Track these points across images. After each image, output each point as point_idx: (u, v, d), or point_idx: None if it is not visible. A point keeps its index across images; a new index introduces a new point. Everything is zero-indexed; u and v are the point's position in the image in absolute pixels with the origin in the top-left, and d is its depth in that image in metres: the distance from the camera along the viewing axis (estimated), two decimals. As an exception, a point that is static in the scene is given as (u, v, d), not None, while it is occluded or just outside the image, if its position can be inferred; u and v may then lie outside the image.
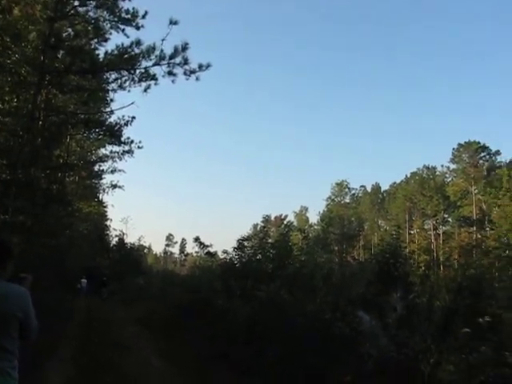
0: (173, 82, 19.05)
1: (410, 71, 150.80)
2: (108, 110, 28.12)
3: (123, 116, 28.56)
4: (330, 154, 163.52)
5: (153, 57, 19.10)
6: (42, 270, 19.50)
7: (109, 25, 22.29)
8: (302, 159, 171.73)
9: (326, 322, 10.83)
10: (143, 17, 21.54)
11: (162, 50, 18.65)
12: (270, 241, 19.86)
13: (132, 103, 20.42)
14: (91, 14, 22.35)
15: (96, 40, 23.02)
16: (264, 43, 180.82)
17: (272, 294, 13.24)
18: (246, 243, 19.39)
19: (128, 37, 20.96)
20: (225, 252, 19.41)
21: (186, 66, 18.63)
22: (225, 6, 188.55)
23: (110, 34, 22.61)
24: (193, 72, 18.67)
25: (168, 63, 18.58)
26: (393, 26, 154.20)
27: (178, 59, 18.54)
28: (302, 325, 10.82)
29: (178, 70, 18.81)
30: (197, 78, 18.79)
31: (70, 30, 22.39)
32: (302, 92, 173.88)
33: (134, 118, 28.75)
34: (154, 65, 19.00)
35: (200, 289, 20.43)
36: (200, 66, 18.62)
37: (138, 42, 18.75)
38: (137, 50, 19.26)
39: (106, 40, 22.86)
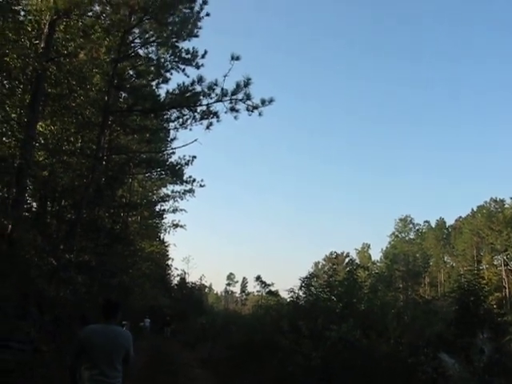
0: (235, 118, 18.94)
1: (474, 106, 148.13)
2: (170, 148, 28.27)
3: (184, 156, 28.78)
4: (391, 190, 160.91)
5: (214, 94, 19.11)
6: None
7: (169, 65, 22.60)
8: (362, 196, 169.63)
9: (409, 366, 10.01)
10: (203, 56, 21.77)
11: (222, 88, 18.63)
12: (337, 279, 19.08)
13: (195, 140, 20.36)
14: (152, 55, 22.80)
15: (157, 81, 23.36)
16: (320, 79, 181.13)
17: (345, 335, 12.47)
18: (312, 282, 18.77)
19: (188, 76, 21.22)
20: (291, 291, 18.75)
21: (249, 102, 18.53)
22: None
23: (171, 74, 22.95)
24: (255, 107, 18.49)
25: (230, 99, 18.48)
26: (451, 61, 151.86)
27: (240, 95, 18.46)
28: (382, 369, 10.05)
29: (241, 106, 18.69)
30: (259, 114, 18.64)
31: (131, 71, 22.77)
32: (361, 131, 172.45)
33: (194, 157, 28.96)
34: (216, 101, 18.96)
35: (265, 329, 19.78)
36: (263, 102, 18.45)
37: (200, 79, 18.78)
38: (198, 88, 19.29)
39: (167, 80, 23.19)
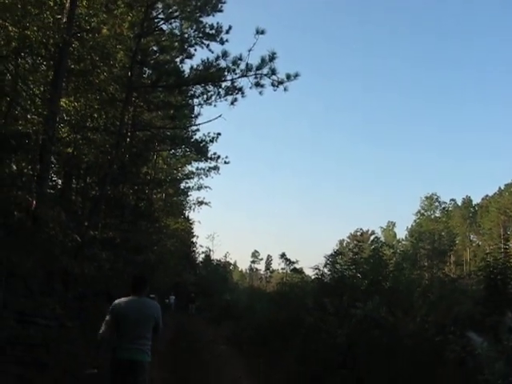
0: (260, 93, 18.67)
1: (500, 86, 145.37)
2: (194, 125, 28.06)
3: (208, 133, 28.63)
4: (417, 168, 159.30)
5: (239, 69, 18.80)
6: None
7: (193, 41, 22.34)
8: (387, 173, 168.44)
9: (437, 345, 9.77)
10: (227, 32, 21.47)
11: (247, 63, 18.30)
12: (363, 256, 18.83)
13: (219, 116, 20.15)
14: (176, 31, 22.54)
15: (181, 57, 23.13)
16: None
17: (370, 312, 12.26)
18: (338, 259, 18.60)
19: (212, 52, 20.94)
20: (316, 268, 18.58)
21: (274, 77, 18.22)
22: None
23: (195, 49, 22.70)
24: (281, 82, 18.19)
25: (255, 74, 18.18)
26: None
27: (265, 70, 18.16)
28: (409, 347, 9.83)
29: (266, 81, 18.39)
30: (285, 89, 18.30)
31: (155, 47, 22.54)
32: (388, 109, 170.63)
33: (219, 134, 28.83)
34: (240, 76, 18.67)
35: (289, 306, 19.65)
36: (288, 76, 18.12)
37: (225, 54, 18.49)
38: (223, 63, 19.00)
39: (190, 56, 22.94)
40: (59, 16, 16.44)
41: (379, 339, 10.58)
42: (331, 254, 18.97)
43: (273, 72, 18.07)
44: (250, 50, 17.82)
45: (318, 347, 11.93)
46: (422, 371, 8.84)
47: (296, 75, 18.10)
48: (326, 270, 18.56)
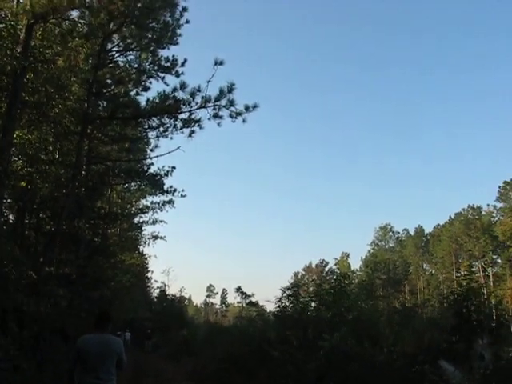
0: (218, 124, 18.47)
1: (452, 114, 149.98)
2: (151, 157, 27.66)
3: (163, 166, 28.29)
4: (368, 200, 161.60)
5: (197, 101, 18.61)
6: (87, 321, 18.85)
7: (149, 73, 22.18)
8: (340, 206, 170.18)
9: (414, 376, 9.63)
10: (182, 64, 21.47)
11: (205, 94, 18.15)
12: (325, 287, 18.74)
13: (178, 148, 19.91)
14: (132, 64, 22.38)
15: (136, 90, 22.94)
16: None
17: (338, 344, 12.09)
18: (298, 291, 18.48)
19: (168, 85, 20.69)
20: (278, 300, 18.37)
21: (232, 108, 18.05)
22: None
23: (150, 82, 22.52)
24: (239, 114, 18.03)
25: (214, 105, 18.00)
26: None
27: (223, 101, 17.96)
28: (382, 379, 9.67)
29: (224, 113, 18.25)
30: (243, 120, 18.15)
31: (110, 80, 22.27)
32: (339, 140, 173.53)
33: (174, 168, 28.48)
34: (198, 108, 18.45)
35: (251, 340, 19.29)
36: (246, 108, 17.95)
37: (183, 85, 18.24)
38: (180, 95, 18.80)
39: (146, 89, 22.74)
40: (14, 46, 16.05)
41: (349, 371, 10.40)
42: (292, 286, 18.86)
43: (231, 103, 17.93)
44: (208, 81, 17.65)
45: (287, 382, 11.67)
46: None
47: (254, 106, 18.02)
48: (287, 303, 18.38)
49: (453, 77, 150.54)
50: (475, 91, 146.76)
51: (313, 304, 17.93)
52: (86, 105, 19.33)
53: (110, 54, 21.78)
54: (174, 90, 18.77)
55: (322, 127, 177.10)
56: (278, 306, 18.66)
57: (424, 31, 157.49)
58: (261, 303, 24.72)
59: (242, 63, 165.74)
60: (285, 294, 18.73)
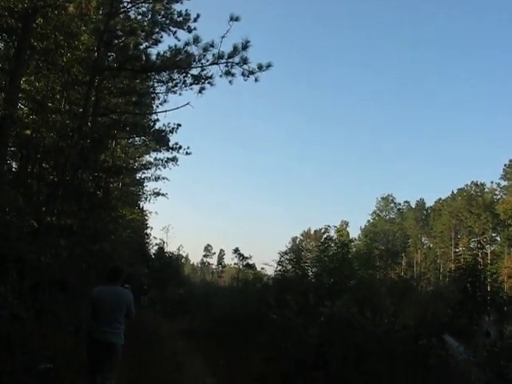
0: (230, 82, 18.08)
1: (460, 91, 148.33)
2: (159, 111, 27.23)
3: (169, 123, 27.90)
4: (369, 170, 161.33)
5: (209, 56, 18.18)
6: (88, 274, 18.80)
7: (160, 27, 21.70)
8: (340, 175, 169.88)
9: (420, 349, 9.49)
10: (195, 20, 20.84)
11: (219, 50, 17.67)
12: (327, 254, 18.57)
13: (187, 104, 19.47)
14: (144, 16, 21.84)
15: (147, 44, 22.50)
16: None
17: (340, 311, 11.96)
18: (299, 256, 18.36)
19: (179, 40, 20.16)
20: (279, 263, 18.27)
21: (245, 66, 17.61)
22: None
23: (161, 36, 22.07)
24: (252, 72, 17.62)
25: (226, 62, 17.57)
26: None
27: (236, 58, 17.54)
28: (385, 349, 9.51)
29: (237, 70, 17.83)
30: (256, 79, 17.75)
31: (121, 32, 21.76)
32: (347, 110, 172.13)
33: (179, 125, 28.04)
34: (211, 64, 18.03)
35: (249, 302, 19.21)
36: (260, 67, 17.53)
37: (196, 40, 17.78)
38: (193, 49, 18.33)
39: (157, 43, 22.27)
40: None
41: (352, 340, 10.26)
42: (288, 251, 18.73)
43: (244, 61, 17.50)
44: (222, 37, 17.11)
45: (287, 346, 11.53)
46: (402, 374, 8.56)
47: (268, 65, 17.55)
48: (288, 267, 18.28)
49: (464, 56, 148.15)
50: (483, 71, 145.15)
51: (313, 270, 17.82)
52: (95, 54, 18.87)
53: (122, 4, 21.26)
54: (187, 44, 18.34)
55: (329, 100, 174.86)
56: (279, 270, 18.57)
57: None
58: (258, 266, 24.69)
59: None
60: (286, 258, 18.65)
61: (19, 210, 15.27)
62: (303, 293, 15.42)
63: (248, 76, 17.76)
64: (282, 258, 18.82)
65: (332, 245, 18.68)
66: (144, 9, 21.54)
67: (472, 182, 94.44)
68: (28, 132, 19.84)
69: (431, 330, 10.19)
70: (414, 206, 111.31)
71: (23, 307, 12.63)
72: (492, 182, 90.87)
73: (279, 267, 18.44)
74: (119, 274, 7.43)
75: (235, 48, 17.31)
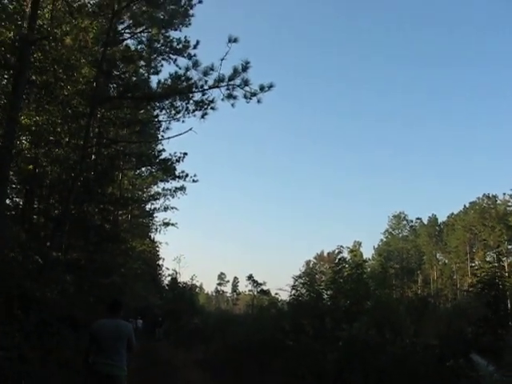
0: (232, 105, 17.73)
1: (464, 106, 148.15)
2: (162, 138, 27.01)
3: (175, 152, 27.69)
4: (380, 189, 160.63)
5: (210, 80, 17.88)
6: (98, 308, 18.34)
7: (160, 55, 21.60)
8: (350, 196, 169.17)
9: (449, 370, 8.91)
10: (195, 46, 20.71)
11: (219, 73, 17.35)
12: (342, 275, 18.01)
13: (190, 129, 19.17)
14: (143, 46, 21.74)
15: (147, 73, 22.39)
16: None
17: (358, 334, 11.43)
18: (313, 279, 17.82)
19: (180, 68, 19.91)
20: (293, 287, 17.74)
21: (247, 88, 17.25)
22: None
23: (162, 65, 21.91)
24: (254, 94, 17.24)
25: (227, 85, 17.24)
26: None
27: (237, 80, 17.18)
28: (408, 371, 8.97)
29: (238, 93, 17.49)
30: (258, 101, 17.33)
31: (120, 62, 21.65)
32: (351, 131, 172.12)
33: (185, 154, 27.84)
34: (212, 87, 17.71)
35: (264, 329, 18.65)
36: (262, 88, 17.11)
37: (196, 64, 17.49)
38: (193, 74, 18.04)
39: (157, 72, 22.15)
40: (20, 22, 15.44)
41: (372, 363, 9.71)
42: (302, 275, 18.24)
43: (246, 83, 17.12)
44: (222, 59, 16.78)
45: (303, 374, 11.00)
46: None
47: (270, 86, 17.18)
48: (302, 291, 17.77)
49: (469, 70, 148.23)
50: (494, 83, 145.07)
51: (328, 292, 17.26)
52: (94, 83, 18.63)
53: (119, 34, 21.17)
54: (187, 69, 18.02)
55: (332, 119, 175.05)
56: (294, 294, 18.04)
57: None
58: (272, 292, 24.15)
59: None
60: (299, 282, 18.16)
61: (23, 246, 14.92)
62: (319, 316, 14.88)
63: (250, 98, 17.40)
64: (296, 282, 18.32)
65: (346, 266, 18.13)
66: (143, 38, 21.48)
67: (484, 194, 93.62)
68: (30, 167, 19.59)
69: (456, 349, 9.63)
70: (426, 223, 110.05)
71: (29, 347, 12.21)
72: (504, 194, 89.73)
73: (293, 291, 17.90)
74: (120, 306, 7.44)
75: (235, 70, 16.97)
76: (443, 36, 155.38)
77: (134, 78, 20.87)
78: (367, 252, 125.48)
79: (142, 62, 21.02)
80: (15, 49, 15.18)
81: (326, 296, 17.19)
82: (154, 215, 47.96)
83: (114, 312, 7.27)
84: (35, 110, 19.07)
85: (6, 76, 17.61)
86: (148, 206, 46.12)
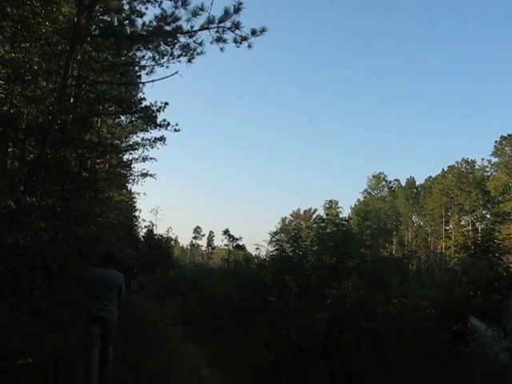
0: (221, 49, 16.71)
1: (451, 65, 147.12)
2: (148, 80, 25.94)
3: (156, 102, 26.65)
4: (359, 147, 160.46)
5: (199, 22, 16.77)
6: (72, 257, 17.67)
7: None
8: (328, 152, 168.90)
9: (454, 335, 8.44)
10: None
11: (209, 14, 16.23)
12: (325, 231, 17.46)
13: (175, 73, 18.26)
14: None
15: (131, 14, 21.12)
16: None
17: (348, 293, 10.92)
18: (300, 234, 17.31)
19: (165, 11, 18.71)
20: (276, 242, 17.21)
21: (238, 32, 16.22)
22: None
23: (146, 8, 20.68)
24: (245, 38, 16.23)
25: (217, 27, 16.21)
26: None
27: (228, 23, 16.16)
28: (402, 334, 8.49)
29: (229, 36, 16.47)
30: (249, 46, 16.33)
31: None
32: (335, 82, 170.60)
33: (167, 103, 26.80)
34: (200, 29, 16.66)
35: (244, 284, 18.11)
36: (253, 32, 16.11)
37: (185, 2, 16.32)
38: (183, 13, 16.83)
39: (141, 15, 20.90)
40: None
41: (365, 324, 9.20)
42: (294, 229, 17.72)
43: (237, 26, 16.02)
44: (213, -1, 15.73)
45: (289, 333, 10.44)
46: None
47: (262, 30, 16.16)
48: (287, 246, 17.27)
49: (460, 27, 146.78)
50: (476, 43, 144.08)
51: (314, 248, 16.74)
52: (75, 19, 17.40)
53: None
54: (175, 7, 16.78)
55: (321, 71, 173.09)
56: (276, 249, 17.54)
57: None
58: (248, 247, 23.65)
59: None
60: (280, 237, 17.68)
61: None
62: (303, 273, 14.39)
63: (241, 42, 16.37)
64: (273, 238, 17.79)
65: (329, 223, 17.60)
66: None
67: (462, 158, 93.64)
68: (5, 108, 18.52)
69: (454, 312, 9.19)
70: (404, 184, 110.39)
71: (1, 295, 11.59)
72: (483, 159, 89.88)
73: (276, 246, 17.37)
74: (112, 257, 8.34)
75: (226, 11, 15.91)
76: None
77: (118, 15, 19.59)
78: (344, 212, 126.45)
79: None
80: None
81: (310, 253, 16.70)
82: (132, 166, 47.07)
83: (107, 262, 8.12)
84: (11, 46, 17.86)
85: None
86: (126, 156, 45.10)
